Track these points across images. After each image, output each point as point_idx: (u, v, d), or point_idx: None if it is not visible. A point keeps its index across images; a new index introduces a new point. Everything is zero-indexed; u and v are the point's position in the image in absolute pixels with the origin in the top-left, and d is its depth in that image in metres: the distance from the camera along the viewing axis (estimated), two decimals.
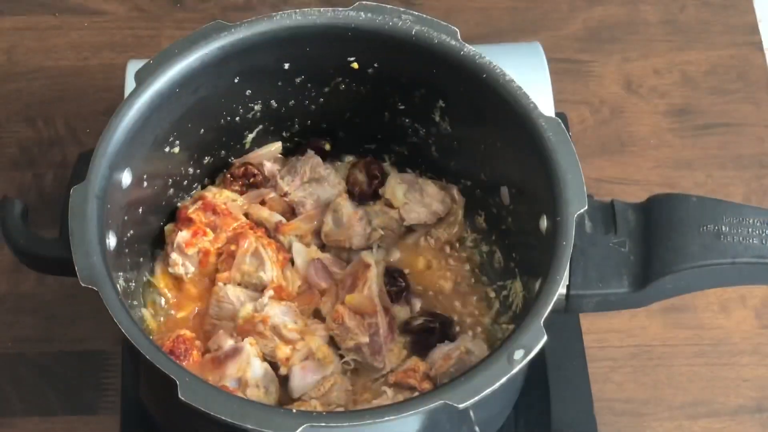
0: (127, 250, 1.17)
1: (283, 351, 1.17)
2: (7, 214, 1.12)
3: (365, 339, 1.18)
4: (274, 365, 1.18)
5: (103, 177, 1.08)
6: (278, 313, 1.19)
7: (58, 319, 1.35)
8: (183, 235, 1.22)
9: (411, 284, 1.26)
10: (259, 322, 1.18)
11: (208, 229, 1.23)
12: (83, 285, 1.03)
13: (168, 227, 1.26)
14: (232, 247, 1.23)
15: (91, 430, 1.29)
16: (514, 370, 0.99)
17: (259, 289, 1.22)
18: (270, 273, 1.22)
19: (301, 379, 1.17)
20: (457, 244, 1.29)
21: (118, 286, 1.07)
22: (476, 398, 0.98)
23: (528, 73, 1.32)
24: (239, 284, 1.22)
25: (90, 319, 1.34)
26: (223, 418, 0.96)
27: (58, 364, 1.32)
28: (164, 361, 1.00)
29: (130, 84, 1.31)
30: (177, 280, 1.24)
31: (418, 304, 1.25)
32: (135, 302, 1.20)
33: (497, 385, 0.98)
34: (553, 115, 1.12)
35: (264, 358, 1.18)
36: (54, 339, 1.34)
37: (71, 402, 1.30)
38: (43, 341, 1.34)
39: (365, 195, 1.29)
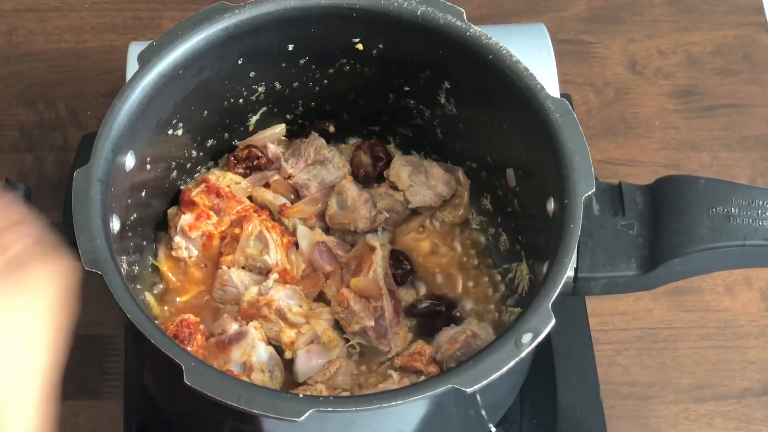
0: (130, 234, 1.16)
1: (287, 334, 1.17)
2: None
3: (371, 322, 1.17)
4: (279, 349, 1.17)
5: (107, 160, 1.07)
6: (283, 296, 1.18)
7: None
8: (186, 218, 1.22)
9: (416, 267, 1.25)
10: (263, 305, 1.17)
11: (211, 212, 1.22)
12: (87, 269, 1.02)
13: (171, 210, 1.25)
14: (236, 231, 1.22)
15: (94, 415, 1.28)
16: (522, 354, 0.98)
17: (264, 272, 1.21)
18: (274, 256, 1.21)
19: (306, 362, 1.17)
20: (463, 227, 1.28)
21: (122, 270, 1.07)
22: (484, 382, 0.97)
23: (533, 55, 1.31)
24: (243, 268, 1.22)
25: (92, 303, 1.30)
26: (229, 403, 0.96)
27: None
28: (169, 345, 0.99)
29: (131, 66, 1.30)
30: (180, 264, 1.23)
31: (423, 287, 1.24)
32: (139, 286, 1.19)
33: (505, 369, 0.97)
34: (557, 96, 1.11)
35: (269, 342, 1.17)
36: None
37: (74, 386, 1.29)
38: None
39: (370, 177, 1.29)
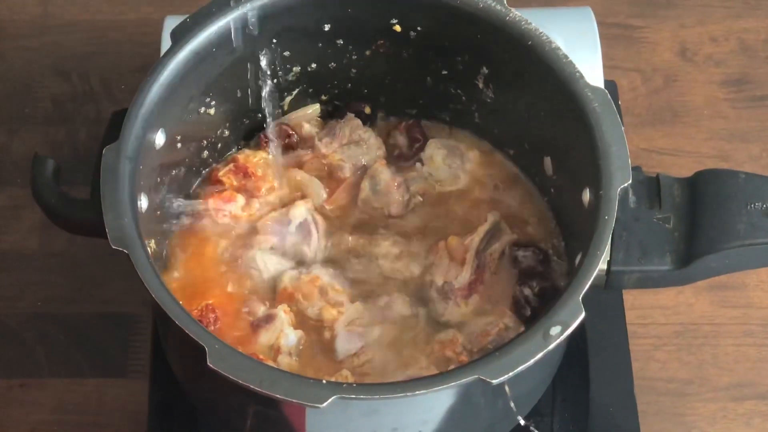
0: (158, 213, 1.15)
1: (330, 312, 1.15)
2: (38, 174, 1.11)
3: (449, 279, 1.16)
4: (318, 329, 1.16)
5: (137, 137, 1.07)
6: (325, 274, 1.18)
7: (88, 280, 1.33)
8: (214, 201, 1.20)
9: None
10: (307, 282, 1.16)
11: (238, 195, 1.21)
12: (113, 247, 1.01)
13: (201, 191, 1.23)
14: (274, 214, 1.21)
15: (120, 393, 1.27)
16: (550, 347, 0.97)
17: (296, 260, 1.20)
18: (314, 248, 1.20)
19: (347, 342, 1.15)
20: None
21: (149, 249, 1.05)
22: (510, 374, 0.95)
23: (577, 39, 1.30)
24: (271, 248, 1.20)
25: (121, 281, 1.32)
26: (251, 386, 0.95)
27: (87, 326, 1.31)
28: (194, 326, 0.98)
29: (166, 41, 1.29)
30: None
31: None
32: (165, 267, 1.18)
33: (532, 361, 0.96)
34: (602, 83, 1.09)
35: (296, 326, 1.15)
36: (84, 300, 1.33)
37: (100, 364, 1.29)
38: (73, 302, 1.33)
39: (405, 158, 1.27)
